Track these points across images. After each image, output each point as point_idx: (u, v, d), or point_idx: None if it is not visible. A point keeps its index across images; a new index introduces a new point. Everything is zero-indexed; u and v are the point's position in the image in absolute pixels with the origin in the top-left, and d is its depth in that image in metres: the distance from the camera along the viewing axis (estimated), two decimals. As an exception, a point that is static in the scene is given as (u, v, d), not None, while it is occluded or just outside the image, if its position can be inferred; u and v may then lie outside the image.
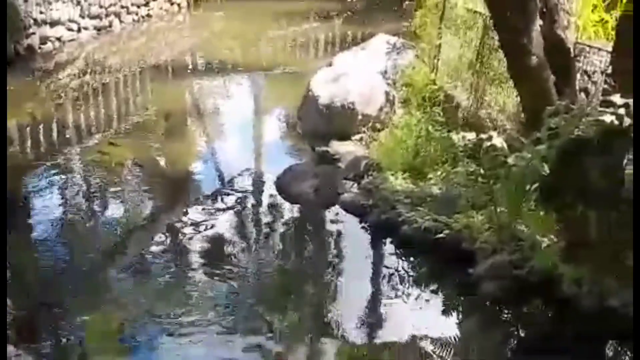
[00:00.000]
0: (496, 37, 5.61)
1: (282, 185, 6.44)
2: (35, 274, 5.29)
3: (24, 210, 6.21)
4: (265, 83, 10.28)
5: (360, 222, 5.93)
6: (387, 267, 5.36)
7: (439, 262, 5.26)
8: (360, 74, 7.75)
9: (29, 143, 7.60)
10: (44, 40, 10.35)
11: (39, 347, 4.26)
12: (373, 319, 4.84)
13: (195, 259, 5.38)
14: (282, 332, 4.58)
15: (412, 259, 5.44)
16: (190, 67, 10.86)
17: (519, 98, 5.25)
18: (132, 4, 12.54)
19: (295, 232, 6.04)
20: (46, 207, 6.15)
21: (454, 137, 5.22)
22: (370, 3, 14.85)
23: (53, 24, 10.51)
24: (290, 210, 6.25)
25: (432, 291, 5.12)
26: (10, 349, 3.94)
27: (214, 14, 14.17)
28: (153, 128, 8.14)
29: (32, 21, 10.03)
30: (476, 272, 4.95)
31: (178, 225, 5.86)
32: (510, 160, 4.51)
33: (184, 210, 6.12)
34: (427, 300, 4.98)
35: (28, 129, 7.79)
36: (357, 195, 6.09)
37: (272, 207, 6.32)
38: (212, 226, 5.81)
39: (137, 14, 12.74)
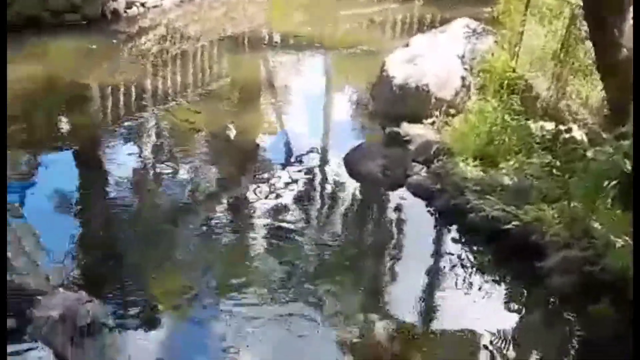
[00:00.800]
0: (584, 28, 5.41)
1: (351, 163, 6.44)
2: (108, 229, 5.51)
3: (100, 169, 6.44)
4: (339, 60, 10.23)
5: (426, 206, 5.88)
6: (449, 254, 5.31)
7: (505, 253, 5.16)
8: (437, 57, 7.61)
9: (109, 104, 7.85)
10: (129, 4, 10.63)
11: (107, 296, 4.41)
12: (430, 305, 4.81)
13: (258, 231, 5.47)
14: (337, 309, 4.61)
15: (476, 247, 5.36)
16: (266, 40, 10.93)
17: (604, 91, 5.05)
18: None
19: (359, 210, 6.04)
20: (120, 167, 6.35)
21: (532, 126, 5.07)
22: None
23: (140, -11, 10.79)
24: (355, 189, 6.25)
25: (495, 281, 5.04)
26: (83, 294, 4.14)
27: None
28: (226, 98, 8.25)
29: (120, -15, 10.34)
30: (545, 266, 4.84)
31: (243, 196, 5.96)
32: (590, 154, 4.37)
33: (250, 181, 6.20)
34: (489, 291, 4.91)
35: (109, 89, 8.05)
36: (426, 179, 6.03)
37: (337, 184, 6.33)
38: (277, 199, 5.87)
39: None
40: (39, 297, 4.22)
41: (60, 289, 4.29)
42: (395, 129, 6.71)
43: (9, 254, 4.60)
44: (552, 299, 4.79)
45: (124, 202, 5.86)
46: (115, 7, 10.32)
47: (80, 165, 6.55)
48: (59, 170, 6.32)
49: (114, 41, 9.64)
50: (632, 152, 4.00)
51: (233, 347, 4.23)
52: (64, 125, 7.29)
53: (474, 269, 5.14)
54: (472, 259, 5.23)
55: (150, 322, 4.37)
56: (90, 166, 6.56)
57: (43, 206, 5.59)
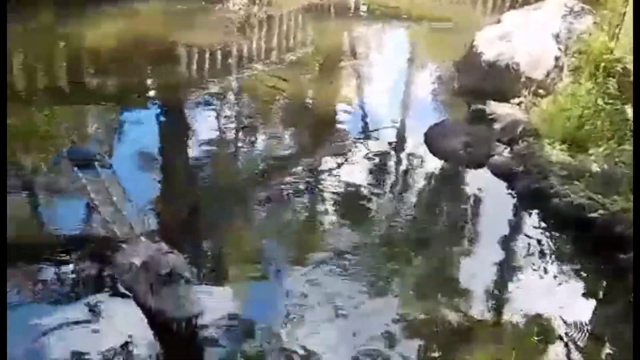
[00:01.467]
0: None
1: (432, 139, 6.33)
2: (187, 187, 5.65)
3: (182, 127, 6.57)
4: (425, 34, 10.00)
5: (507, 187, 5.72)
6: (528, 237, 5.15)
7: (587, 242, 4.96)
8: (530, 35, 7.31)
9: (194, 64, 7.99)
10: (219, -33, 10.72)
11: (185, 250, 4.52)
12: (503, 289, 4.69)
13: (330, 200, 5.46)
14: (405, 285, 4.58)
15: (557, 234, 5.17)
16: (352, 9, 10.80)
17: None
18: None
19: (436, 187, 5.93)
20: (201, 127, 6.48)
21: (628, 111, 4.81)
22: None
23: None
24: (433, 165, 6.14)
25: (575, 271, 4.85)
26: (163, 245, 4.29)
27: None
28: (308, 66, 8.23)
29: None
30: (629, 259, 4.62)
31: (318, 164, 5.96)
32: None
33: (326, 151, 6.19)
34: (567, 280, 4.74)
35: (195, 50, 8.19)
36: (509, 160, 5.86)
37: (414, 159, 6.24)
38: (351, 171, 5.85)
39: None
40: (123, 245, 4.40)
41: (143, 239, 4.45)
42: (481, 106, 6.53)
43: (96, 201, 4.85)
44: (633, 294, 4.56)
45: (203, 162, 5.98)
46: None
47: (164, 122, 6.70)
48: (143, 126, 6.51)
49: (203, 2, 9.78)
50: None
51: (300, 307, 4.28)
52: (151, 82, 7.48)
53: (553, 256, 4.97)
54: (551, 246, 5.06)
55: (222, 279, 4.50)
56: (174, 124, 6.72)
57: (127, 160, 5.79)
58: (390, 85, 8.10)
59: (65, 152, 5.52)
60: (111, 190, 4.92)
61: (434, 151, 6.22)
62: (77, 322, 4.01)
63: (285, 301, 4.32)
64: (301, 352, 3.95)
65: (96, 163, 5.24)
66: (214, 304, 4.05)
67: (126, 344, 3.86)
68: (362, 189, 5.67)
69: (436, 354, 4.09)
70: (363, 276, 4.61)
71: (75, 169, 5.19)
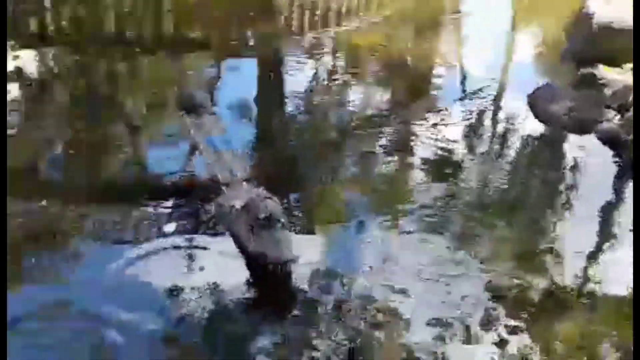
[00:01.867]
0: None
1: (536, 102, 6.10)
2: (282, 138, 5.73)
3: (279, 80, 6.64)
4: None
5: (614, 156, 5.47)
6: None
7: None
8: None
9: (294, 17, 8.01)
10: None
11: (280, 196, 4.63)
12: (596, 263, 4.52)
13: (422, 159, 5.42)
14: (494, 252, 4.48)
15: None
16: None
17: None
18: None
19: (533, 150, 5.75)
20: (298, 79, 6.54)
21: None
22: None
23: None
24: (532, 128, 5.93)
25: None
26: (262, 190, 4.43)
27: None
28: (408, 22, 8.07)
29: None
30: None
31: (411, 122, 5.88)
32: None
33: (421, 109, 6.10)
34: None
35: (295, 2, 8.18)
36: (618, 127, 5.59)
37: (512, 121, 6.05)
38: (446, 130, 5.77)
39: None
40: (224, 188, 4.58)
41: (244, 183, 4.61)
42: (591, 70, 6.21)
43: (201, 146, 5.03)
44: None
45: (296, 114, 6.06)
46: None
47: (262, 73, 6.79)
48: (242, 76, 6.64)
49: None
50: None
51: (385, 263, 4.31)
52: (251, 33, 7.57)
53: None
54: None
55: (310, 228, 4.62)
56: (271, 75, 6.79)
57: (226, 108, 5.92)
58: (491, 45, 7.83)
59: (173, 97, 5.73)
60: (214, 136, 5.09)
61: (538, 114, 6.00)
62: (172, 259, 4.20)
63: (369, 256, 4.36)
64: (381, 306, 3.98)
65: (201, 109, 5.40)
66: (307, 251, 4.15)
67: (216, 283, 4.02)
68: (456, 149, 5.58)
69: (521, 323, 4.00)
70: (450, 238, 4.57)
71: (182, 113, 5.38)
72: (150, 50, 6.97)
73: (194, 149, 5.15)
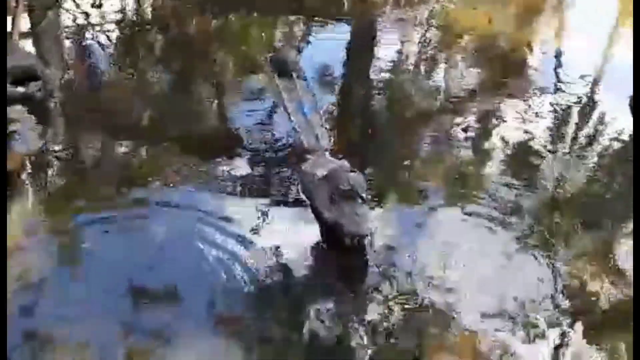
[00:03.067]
0: None
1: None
2: (366, 110, 5.72)
3: (368, 50, 6.59)
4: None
5: None
6: None
7: None
8: None
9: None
10: None
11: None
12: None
13: (499, 150, 5.31)
14: (559, 248, 4.41)
15: None
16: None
17: None
18: None
19: (622, 155, 5.50)
20: (386, 51, 6.48)
21: None
22: None
23: None
24: (625, 131, 5.64)
25: None
26: (345, 162, 4.47)
27: None
28: (508, 3, 7.81)
29: None
30: None
31: (496, 110, 5.76)
32: None
33: (509, 97, 5.94)
34: None
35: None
36: None
37: (605, 122, 5.81)
38: (531, 121, 5.62)
39: None
40: (308, 155, 4.66)
41: (327, 153, 4.68)
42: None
43: (290, 109, 5.10)
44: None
45: (380, 87, 6.02)
46: None
47: (352, 41, 6.76)
48: (330, 41, 6.62)
49: None
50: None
51: (449, 248, 4.31)
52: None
53: None
54: None
55: (381, 206, 4.59)
56: (361, 44, 6.76)
57: (312, 73, 5.94)
58: (592, 38, 7.49)
59: (267, 58, 5.81)
60: (304, 101, 5.15)
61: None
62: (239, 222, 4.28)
63: (434, 242, 4.37)
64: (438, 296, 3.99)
65: (293, 73, 5.45)
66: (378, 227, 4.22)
67: (278, 248, 4.11)
68: (538, 143, 5.42)
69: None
70: (517, 235, 4.49)
71: (275, 75, 5.46)
72: (244, 8, 7.03)
73: (277, 110, 5.22)
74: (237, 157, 4.84)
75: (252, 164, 4.78)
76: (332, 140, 4.93)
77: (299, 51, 6.36)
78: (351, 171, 4.26)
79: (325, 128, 5.03)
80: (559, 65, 6.77)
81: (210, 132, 5.17)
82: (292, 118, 5.05)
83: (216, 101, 5.59)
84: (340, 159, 4.61)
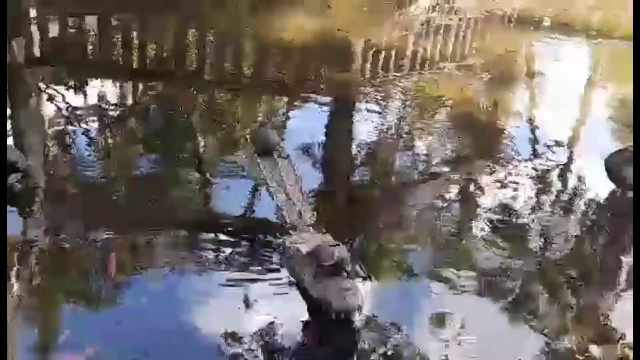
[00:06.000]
0: None
1: (614, 165, 5.89)
2: (348, 183, 5.79)
3: (348, 125, 6.73)
4: (613, 52, 9.40)
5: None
6: None
7: None
8: None
9: (368, 63, 8.12)
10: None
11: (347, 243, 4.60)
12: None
13: (483, 216, 5.33)
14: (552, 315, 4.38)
15: None
16: (534, 22, 10.42)
17: None
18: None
19: (603, 216, 5.57)
20: (366, 125, 6.62)
21: None
22: None
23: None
24: (603, 192, 5.75)
25: None
26: (329, 237, 4.45)
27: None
28: (480, 75, 8.06)
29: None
30: None
31: (476, 179, 5.83)
32: None
33: (488, 165, 6.04)
34: None
35: (371, 49, 8.32)
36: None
37: (584, 184, 5.92)
38: (512, 188, 5.69)
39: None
40: (291, 232, 4.66)
41: (311, 228, 4.68)
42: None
43: (272, 188, 5.15)
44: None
45: (362, 161, 6.11)
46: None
47: (332, 118, 6.90)
48: (312, 119, 6.75)
49: (385, 5, 9.93)
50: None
51: (435, 318, 4.28)
52: (324, 77, 7.72)
53: None
54: None
55: (367, 277, 4.54)
56: (341, 120, 6.90)
57: (295, 151, 5.99)
58: (565, 104, 7.71)
59: (248, 138, 5.90)
60: (286, 179, 5.21)
61: (615, 179, 5.77)
62: (230, 300, 4.24)
63: (422, 313, 4.32)
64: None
65: (275, 152, 5.54)
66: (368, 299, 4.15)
67: (272, 323, 4.05)
68: (520, 208, 5.48)
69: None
70: (505, 300, 4.48)
71: (256, 155, 5.54)
72: (228, 89, 7.20)
73: (259, 189, 5.26)
74: (222, 235, 4.81)
75: (237, 243, 4.74)
76: (315, 216, 4.93)
77: (281, 129, 6.46)
78: (335, 245, 4.22)
79: (309, 204, 5.05)
80: (534, 131, 6.93)
81: (194, 213, 5.15)
82: (275, 196, 5.08)
83: (199, 182, 5.60)
84: (324, 233, 4.60)
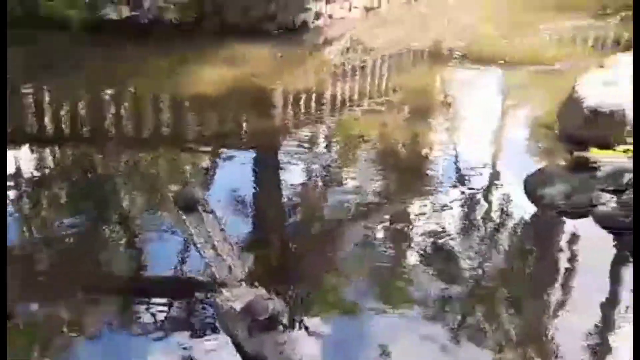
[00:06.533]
0: None
1: (531, 186, 6.11)
2: (279, 231, 5.71)
3: (275, 173, 6.69)
4: (522, 78, 9.81)
5: (614, 240, 5.42)
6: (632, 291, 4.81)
7: None
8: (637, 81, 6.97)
9: (289, 110, 8.17)
10: (318, 16, 11.02)
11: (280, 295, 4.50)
12: (603, 344, 4.41)
13: (416, 247, 5.38)
14: (494, 340, 4.40)
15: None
16: (447, 54, 10.78)
17: None
18: (404, -14, 12.72)
19: (529, 236, 5.73)
20: (293, 172, 6.60)
21: None
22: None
23: (329, 1, 11.14)
24: (526, 214, 5.92)
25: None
26: (263, 290, 4.35)
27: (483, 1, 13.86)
28: (399, 111, 8.22)
29: (311, -2, 10.78)
30: None
31: (406, 211, 5.88)
32: None
33: (415, 197, 6.12)
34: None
35: (290, 96, 8.39)
36: (615, 210, 5.55)
37: (506, 207, 6.05)
38: (440, 218, 5.75)
39: (406, -4, 12.88)
40: (222, 289, 4.51)
41: (242, 283, 4.57)
42: (584, 153, 6.25)
43: (199, 245, 5.02)
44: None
45: (293, 205, 6.07)
46: (305, 18, 10.77)
47: (258, 167, 6.86)
48: (238, 171, 6.67)
49: (297, 52, 10.06)
50: None
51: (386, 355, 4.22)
52: (246, 127, 7.70)
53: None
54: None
55: (305, 323, 4.46)
56: (267, 168, 6.85)
57: (222, 203, 5.91)
58: (483, 130, 7.95)
59: (171, 195, 5.77)
60: (212, 234, 5.08)
61: (534, 199, 5.99)
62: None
63: (366, 350, 4.28)
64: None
65: (200, 208, 5.40)
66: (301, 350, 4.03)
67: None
68: (451, 235, 5.55)
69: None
70: (447, 326, 4.50)
71: (180, 212, 5.40)
72: (148, 147, 7.07)
73: (189, 246, 5.12)
74: (155, 297, 4.66)
75: (171, 304, 4.61)
76: (247, 269, 4.83)
77: (205, 183, 6.34)
78: (269, 298, 4.16)
79: (239, 258, 4.94)
80: (456, 158, 7.08)
81: (123, 276, 5.00)
82: (203, 253, 4.94)
83: (127, 243, 5.44)
84: (257, 287, 4.49)
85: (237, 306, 4.18)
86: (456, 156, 7.17)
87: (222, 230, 5.22)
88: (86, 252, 5.21)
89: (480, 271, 5.13)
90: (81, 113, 7.88)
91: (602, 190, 5.81)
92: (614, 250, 5.39)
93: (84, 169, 6.53)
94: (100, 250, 5.29)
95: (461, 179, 6.58)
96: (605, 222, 5.56)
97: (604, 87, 7.04)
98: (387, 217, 5.86)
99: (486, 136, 7.77)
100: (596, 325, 4.62)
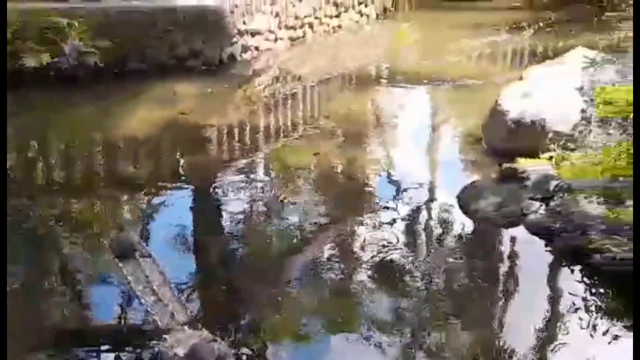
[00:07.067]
0: None
1: (464, 201, 6.28)
2: (223, 266, 5.64)
3: (214, 208, 6.64)
4: (447, 94, 10.15)
5: (546, 245, 5.61)
6: (572, 295, 5.01)
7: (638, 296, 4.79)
8: (553, 90, 7.33)
9: (224, 144, 8.17)
10: (245, 49, 11.11)
11: (226, 334, 4.51)
12: (549, 348, 4.52)
13: (364, 268, 5.41)
14: (444, 349, 4.45)
15: (602, 290, 5.03)
16: (373, 77, 11.04)
17: None
18: (325, 16, 13.04)
19: (469, 249, 5.84)
20: (232, 204, 6.56)
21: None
22: (565, 15, 14.08)
23: (254, 34, 11.27)
24: (464, 227, 6.07)
25: (626, 327, 4.68)
26: (206, 333, 4.25)
27: (401, 25, 14.32)
28: (333, 135, 8.35)
29: (236, 31, 10.84)
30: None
31: (350, 234, 5.95)
32: None
33: (357, 219, 6.18)
34: (617, 336, 4.56)
35: (224, 130, 8.40)
36: (544, 217, 5.75)
37: (445, 221, 6.19)
38: (383, 237, 5.81)
39: (328, 25, 13.21)
40: (165, 335, 4.38)
41: (186, 327, 4.45)
42: (512, 165, 6.47)
43: (138, 292, 4.90)
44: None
45: (235, 239, 6.04)
46: (231, 51, 10.83)
47: (196, 204, 6.80)
48: (177, 209, 6.58)
49: (226, 86, 10.08)
50: None
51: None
52: (182, 165, 7.65)
53: (600, 313, 4.81)
54: (598, 302, 4.91)
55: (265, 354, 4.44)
56: (206, 204, 6.79)
57: (162, 245, 5.83)
58: (416, 148, 8.17)
59: (106, 243, 5.63)
60: (151, 279, 4.98)
61: (468, 213, 6.15)
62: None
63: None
64: None
65: (136, 253, 5.31)
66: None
67: None
68: (395, 253, 5.61)
69: None
70: (403, 344, 4.52)
71: (116, 260, 5.29)
72: (81, 194, 6.90)
73: (131, 295, 5.00)
74: (100, 347, 4.52)
75: (118, 354, 4.45)
76: (189, 312, 4.74)
77: (142, 227, 6.23)
78: (213, 341, 4.10)
79: (180, 301, 4.84)
80: (394, 177, 7.23)
81: (65, 328, 4.82)
82: (143, 300, 4.82)
83: (67, 294, 5.27)
84: (200, 329, 4.41)
85: (180, 352, 4.08)
86: (391, 175, 7.34)
87: (161, 273, 5.10)
88: (25, 303, 4.99)
89: (427, 284, 5.22)
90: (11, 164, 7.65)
91: (531, 198, 6.02)
92: (547, 255, 5.59)
93: (18, 220, 6.31)
94: (40, 301, 5.09)
95: (400, 196, 6.70)
96: (536, 229, 5.75)
97: (524, 98, 7.32)
98: (333, 241, 5.88)
99: (420, 153, 8.00)
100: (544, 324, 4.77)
